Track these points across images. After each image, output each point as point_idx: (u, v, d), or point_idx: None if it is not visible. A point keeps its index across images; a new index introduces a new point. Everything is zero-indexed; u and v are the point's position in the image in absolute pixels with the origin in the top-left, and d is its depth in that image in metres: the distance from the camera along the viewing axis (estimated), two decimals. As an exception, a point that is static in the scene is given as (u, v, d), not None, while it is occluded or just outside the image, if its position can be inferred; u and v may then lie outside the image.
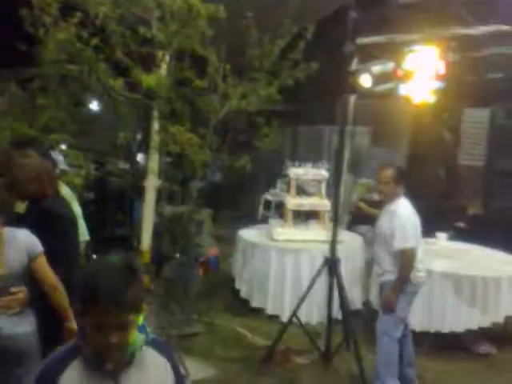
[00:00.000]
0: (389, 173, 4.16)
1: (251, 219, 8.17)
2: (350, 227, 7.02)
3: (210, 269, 6.72)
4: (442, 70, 3.85)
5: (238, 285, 6.20)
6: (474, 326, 4.93)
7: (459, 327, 4.94)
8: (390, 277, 4.12)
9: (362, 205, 5.14)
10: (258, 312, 5.84)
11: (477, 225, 6.72)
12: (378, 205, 5.11)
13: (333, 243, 4.70)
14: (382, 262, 4.24)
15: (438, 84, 3.94)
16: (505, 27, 3.60)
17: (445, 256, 5.27)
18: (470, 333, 4.97)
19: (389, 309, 4.10)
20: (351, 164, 6.23)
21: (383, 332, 4.19)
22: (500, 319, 4.96)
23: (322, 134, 9.26)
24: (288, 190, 6.19)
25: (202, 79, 4.79)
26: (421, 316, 4.91)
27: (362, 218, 6.14)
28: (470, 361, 4.88)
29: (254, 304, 5.93)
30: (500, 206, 6.63)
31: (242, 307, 5.99)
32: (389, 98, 4.82)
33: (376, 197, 7.58)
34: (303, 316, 5.45)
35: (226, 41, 4.68)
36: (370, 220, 5.12)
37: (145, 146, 5.18)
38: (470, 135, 7.78)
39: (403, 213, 4.09)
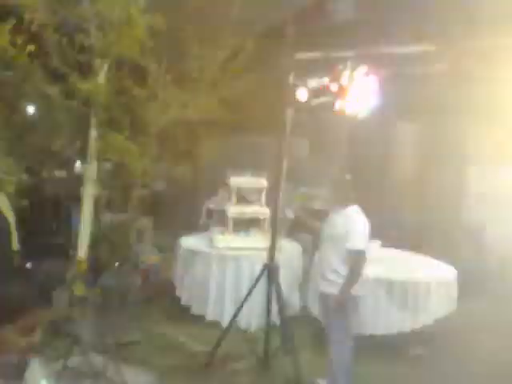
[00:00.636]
0: (345, 179, 4.49)
1: (193, 227, 8.18)
2: (290, 235, 7.18)
3: (150, 277, 6.67)
4: (375, 86, 4.05)
5: (178, 292, 6.20)
6: (406, 329, 5.17)
7: (392, 330, 5.16)
8: (339, 280, 4.29)
9: (301, 214, 5.31)
10: (198, 319, 5.86)
11: (407, 232, 7.07)
12: (317, 213, 5.30)
13: (272, 250, 4.81)
14: (330, 265, 4.40)
15: (370, 99, 4.14)
16: (432, 47, 3.84)
17: (378, 262, 5.49)
18: (402, 335, 5.20)
19: (341, 310, 4.28)
20: (290, 174, 6.37)
21: (336, 341, 4.38)
22: (430, 322, 5.22)
23: (262, 144, 9.43)
24: (229, 198, 6.27)
25: (141, 88, 4.79)
26: (356, 320, 5.09)
27: (301, 225, 6.33)
28: (402, 362, 5.09)
29: (194, 311, 5.96)
30: (430, 215, 7.02)
31: (182, 314, 5.98)
32: (326, 111, 4.98)
33: (316, 206, 7.90)
34: (243, 322, 5.56)
35: (166, 51, 4.70)
36: (309, 228, 5.30)
37: (83, 154, 5.09)
38: (401, 149, 8.22)
39: (359, 217, 4.36)
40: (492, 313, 6.56)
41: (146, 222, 7.14)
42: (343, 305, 4.30)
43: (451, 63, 3.85)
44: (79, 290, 5.04)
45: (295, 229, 7.17)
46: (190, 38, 4.66)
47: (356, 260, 4.29)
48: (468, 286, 5.66)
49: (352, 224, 4.32)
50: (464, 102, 5.40)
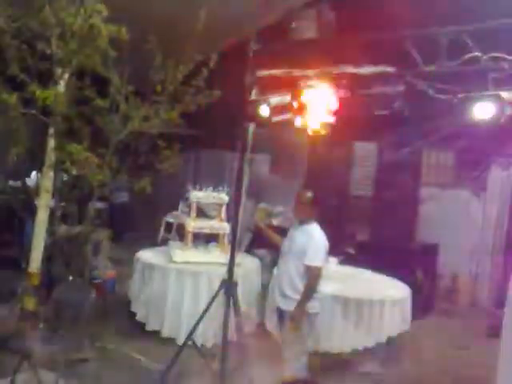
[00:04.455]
0: (307, 196, 4.54)
1: (152, 241, 8.09)
2: (249, 250, 7.18)
3: (105, 291, 6.52)
4: (334, 105, 4.15)
5: (133, 308, 6.08)
6: (360, 347, 5.22)
7: (347, 348, 5.21)
8: (296, 296, 4.35)
9: (262, 225, 5.35)
10: (154, 335, 5.76)
11: (364, 250, 7.21)
12: (276, 230, 5.33)
13: (230, 266, 4.80)
14: (289, 281, 4.45)
15: (330, 118, 4.24)
16: (389, 68, 3.99)
17: (335, 279, 5.56)
18: (356, 353, 5.25)
19: (296, 326, 4.31)
20: (251, 190, 6.42)
21: (291, 357, 4.41)
22: (383, 339, 5.29)
23: (223, 160, 9.47)
24: (189, 213, 6.23)
25: (103, 99, 4.75)
26: (312, 337, 5.12)
27: (261, 241, 6.35)
28: (355, 380, 5.13)
29: (150, 327, 5.84)
30: (384, 233, 7.19)
31: (137, 331, 5.87)
32: (287, 128, 5.06)
33: (276, 222, 7.97)
34: (199, 338, 5.48)
35: (129, 62, 4.68)
36: (269, 244, 5.34)
37: (39, 164, 4.98)
38: (359, 167, 8.45)
39: (318, 234, 4.45)
40: (442, 329, 6.74)
41: (103, 235, 6.99)
42: (299, 321, 4.34)
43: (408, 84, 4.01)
44: (30, 304, 4.88)
45: (255, 244, 7.19)
46: (153, 50, 4.66)
47: (313, 276, 4.36)
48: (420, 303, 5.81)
49: (310, 240, 4.41)
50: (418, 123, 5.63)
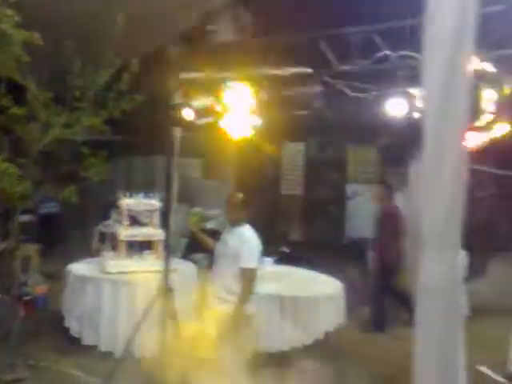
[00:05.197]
0: (238, 198, 4.59)
1: (85, 253, 7.84)
2: (186, 255, 7.12)
3: (36, 308, 6.27)
4: (256, 106, 4.18)
5: (67, 323, 5.87)
6: (299, 344, 5.27)
7: (286, 346, 5.25)
8: (233, 298, 4.36)
9: (195, 229, 5.33)
10: (91, 349, 5.58)
11: (297, 249, 7.32)
12: (211, 233, 5.31)
13: (166, 272, 4.74)
14: (224, 284, 4.46)
15: (253, 119, 4.26)
16: (308, 69, 4.07)
17: (270, 279, 5.60)
18: (295, 351, 5.30)
19: (234, 328, 4.31)
20: (184, 194, 6.38)
21: (230, 360, 4.35)
22: (321, 336, 5.37)
23: (155, 165, 9.36)
24: (120, 221, 6.10)
25: (20, 107, 4.57)
26: (250, 338, 5.12)
27: (197, 246, 6.30)
28: (295, 378, 5.16)
29: (86, 342, 5.66)
30: (316, 231, 7.34)
31: (72, 346, 5.67)
32: (216, 131, 5.05)
33: (209, 225, 7.95)
34: (138, 349, 5.36)
35: (46, 68, 4.53)
36: (205, 248, 5.31)
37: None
38: (288, 167, 8.61)
39: (251, 236, 4.48)
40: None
41: (31, 249, 6.72)
42: (237, 323, 4.34)
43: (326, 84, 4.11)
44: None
45: (191, 249, 7.14)
46: (71, 56, 4.52)
47: (248, 278, 4.39)
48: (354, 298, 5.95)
49: (244, 243, 4.43)
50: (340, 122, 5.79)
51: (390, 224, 6.67)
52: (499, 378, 5.53)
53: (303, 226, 7.92)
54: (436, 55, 1.92)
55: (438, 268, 1.91)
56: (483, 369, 5.64)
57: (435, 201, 1.93)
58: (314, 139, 7.64)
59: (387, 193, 6.85)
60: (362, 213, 7.69)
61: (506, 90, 4.17)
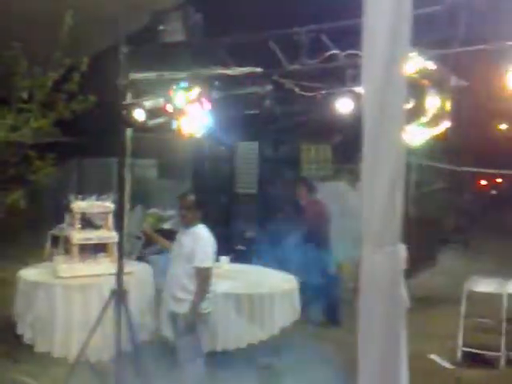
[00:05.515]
0: (190, 199, 4.61)
1: (38, 257, 7.64)
2: (142, 257, 7.06)
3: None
4: (207, 106, 4.20)
5: (20, 330, 5.71)
6: (255, 340, 5.33)
7: (242, 343, 5.29)
8: (188, 297, 4.39)
9: (149, 230, 5.32)
10: (45, 356, 5.46)
11: (253, 246, 7.39)
12: (167, 234, 5.29)
13: (119, 275, 4.69)
14: (179, 284, 4.47)
15: (205, 119, 4.28)
16: (258, 69, 4.13)
17: (227, 278, 5.64)
18: (252, 347, 5.36)
19: (190, 328, 4.35)
20: (139, 195, 6.31)
21: (188, 360, 4.42)
22: (276, 332, 5.42)
23: (108, 166, 9.22)
24: (72, 224, 5.98)
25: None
26: (207, 337, 5.14)
27: (153, 247, 6.27)
28: (254, 375, 5.20)
29: (39, 348, 5.52)
30: (271, 229, 7.44)
31: (25, 354, 5.53)
32: (171, 132, 5.04)
33: (166, 226, 7.91)
34: (94, 353, 5.27)
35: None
36: (161, 249, 5.29)
37: None
38: (243, 166, 8.71)
39: (206, 235, 4.52)
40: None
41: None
42: (193, 323, 4.37)
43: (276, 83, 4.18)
44: None
45: (148, 250, 7.08)
46: (18, 57, 4.41)
47: (203, 277, 4.43)
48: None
49: (198, 242, 4.47)
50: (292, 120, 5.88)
51: (312, 218, 6.97)
52: (448, 365, 5.78)
53: (259, 224, 8.01)
54: (373, 53, 1.99)
55: (378, 262, 1.99)
56: (434, 357, 5.88)
57: (374, 197, 2.00)
58: (267, 138, 7.75)
59: (305, 189, 7.17)
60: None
61: (450, 88, 4.34)
